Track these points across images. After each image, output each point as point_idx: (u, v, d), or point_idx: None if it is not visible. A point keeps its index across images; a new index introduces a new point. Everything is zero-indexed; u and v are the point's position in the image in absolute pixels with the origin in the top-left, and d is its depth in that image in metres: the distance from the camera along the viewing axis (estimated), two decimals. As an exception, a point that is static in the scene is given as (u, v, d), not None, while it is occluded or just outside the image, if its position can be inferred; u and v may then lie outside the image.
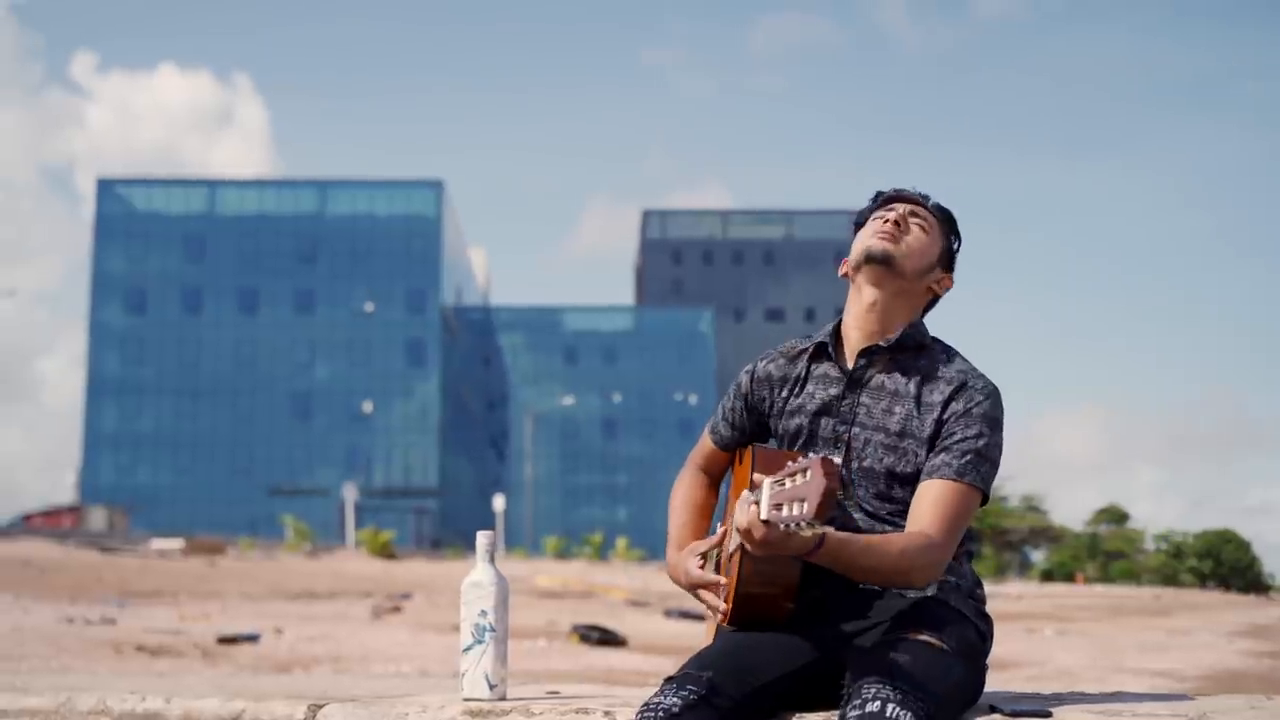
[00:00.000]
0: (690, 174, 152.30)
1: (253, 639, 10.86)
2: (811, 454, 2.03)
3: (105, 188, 76.61)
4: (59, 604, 14.75)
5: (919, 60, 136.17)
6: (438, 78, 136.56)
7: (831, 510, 1.95)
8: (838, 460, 1.98)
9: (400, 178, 78.10)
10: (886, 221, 2.52)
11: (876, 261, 2.47)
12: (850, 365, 2.48)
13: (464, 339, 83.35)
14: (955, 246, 2.60)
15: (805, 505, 1.95)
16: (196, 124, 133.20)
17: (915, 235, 2.52)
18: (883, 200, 2.59)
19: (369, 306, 75.18)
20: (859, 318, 2.50)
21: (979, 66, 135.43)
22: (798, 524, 1.96)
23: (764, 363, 2.59)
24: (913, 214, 2.54)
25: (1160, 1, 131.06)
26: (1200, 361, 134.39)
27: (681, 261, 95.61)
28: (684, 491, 2.66)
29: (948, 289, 2.59)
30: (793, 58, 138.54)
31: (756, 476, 2.16)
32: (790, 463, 2.05)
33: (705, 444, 2.67)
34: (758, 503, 2.07)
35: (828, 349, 2.52)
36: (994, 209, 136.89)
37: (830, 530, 2.08)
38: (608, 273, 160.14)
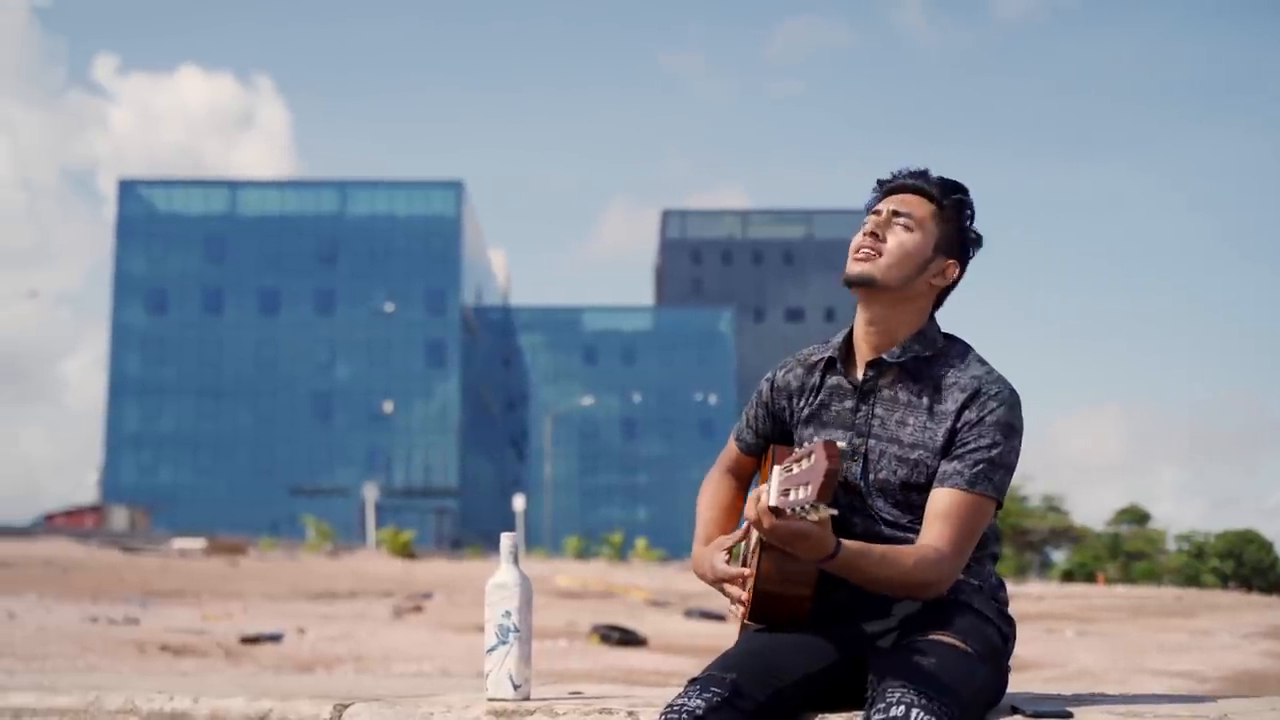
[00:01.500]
0: (710, 176, 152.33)
1: (275, 639, 10.90)
2: (815, 439, 2.05)
3: (127, 189, 76.98)
4: (82, 603, 14.85)
5: (936, 62, 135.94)
6: (458, 79, 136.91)
7: (833, 491, 1.96)
8: (842, 444, 1.99)
9: (420, 178, 78.35)
10: (865, 234, 2.44)
11: (857, 285, 2.43)
12: (860, 377, 2.45)
13: (484, 339, 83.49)
14: (967, 224, 2.47)
15: (809, 488, 1.97)
16: (218, 125, 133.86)
17: (897, 240, 2.42)
18: (876, 194, 2.50)
19: (389, 307, 75.36)
20: (863, 332, 2.47)
21: (996, 68, 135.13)
22: (803, 507, 1.98)
23: (783, 372, 2.57)
24: (896, 213, 2.43)
25: (1171, 4, 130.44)
26: (1223, 362, 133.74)
27: (701, 261, 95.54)
28: (711, 491, 2.68)
29: (954, 277, 2.47)
30: (811, 61, 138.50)
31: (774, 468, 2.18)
32: (797, 449, 2.07)
33: (731, 449, 2.68)
34: (766, 491, 2.09)
35: (836, 363, 2.49)
36: (1015, 208, 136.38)
37: (844, 541, 2.11)
38: (628, 274, 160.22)
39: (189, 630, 11.47)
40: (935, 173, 2.50)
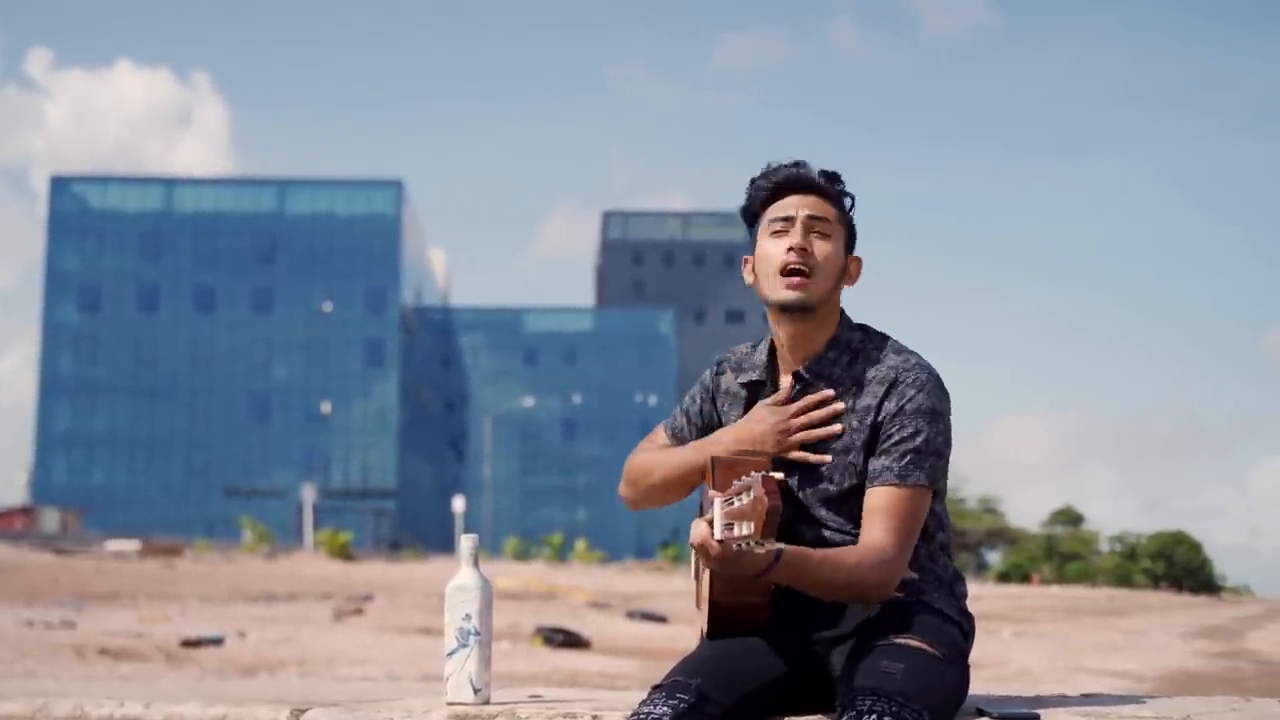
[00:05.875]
0: (653, 181, 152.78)
1: (216, 642, 10.79)
2: (753, 474, 2.03)
3: (59, 185, 75.79)
4: (15, 607, 14.60)
5: (870, 74, 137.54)
6: (401, 80, 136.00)
7: (776, 527, 1.96)
8: (780, 475, 1.97)
9: (360, 177, 77.80)
10: (791, 251, 2.32)
11: (795, 312, 2.34)
12: (785, 389, 2.39)
13: (423, 339, 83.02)
14: (851, 211, 2.40)
15: (751, 525, 1.97)
16: (155, 122, 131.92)
17: (822, 253, 2.34)
18: (772, 191, 2.37)
19: (328, 306, 74.75)
20: (783, 347, 2.41)
21: (925, 81, 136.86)
22: (748, 543, 1.97)
23: (726, 375, 2.51)
24: (811, 218, 2.34)
25: (1088, 23, 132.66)
26: (1157, 363, 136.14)
27: (642, 263, 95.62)
28: (648, 451, 2.57)
29: (859, 269, 2.41)
30: (751, 72, 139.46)
31: (709, 494, 2.15)
32: (738, 480, 2.05)
33: (660, 437, 2.60)
34: (711, 521, 2.06)
35: (764, 385, 2.43)
36: (952, 211, 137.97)
37: (785, 546, 2.09)
38: (569, 275, 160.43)
39: (128, 633, 11.32)
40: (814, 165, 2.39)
